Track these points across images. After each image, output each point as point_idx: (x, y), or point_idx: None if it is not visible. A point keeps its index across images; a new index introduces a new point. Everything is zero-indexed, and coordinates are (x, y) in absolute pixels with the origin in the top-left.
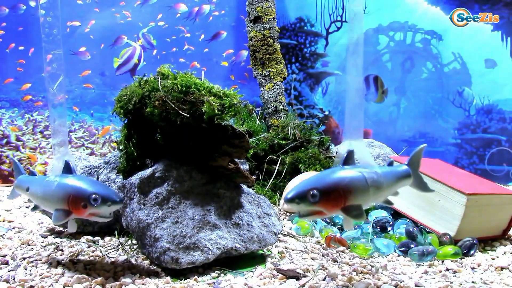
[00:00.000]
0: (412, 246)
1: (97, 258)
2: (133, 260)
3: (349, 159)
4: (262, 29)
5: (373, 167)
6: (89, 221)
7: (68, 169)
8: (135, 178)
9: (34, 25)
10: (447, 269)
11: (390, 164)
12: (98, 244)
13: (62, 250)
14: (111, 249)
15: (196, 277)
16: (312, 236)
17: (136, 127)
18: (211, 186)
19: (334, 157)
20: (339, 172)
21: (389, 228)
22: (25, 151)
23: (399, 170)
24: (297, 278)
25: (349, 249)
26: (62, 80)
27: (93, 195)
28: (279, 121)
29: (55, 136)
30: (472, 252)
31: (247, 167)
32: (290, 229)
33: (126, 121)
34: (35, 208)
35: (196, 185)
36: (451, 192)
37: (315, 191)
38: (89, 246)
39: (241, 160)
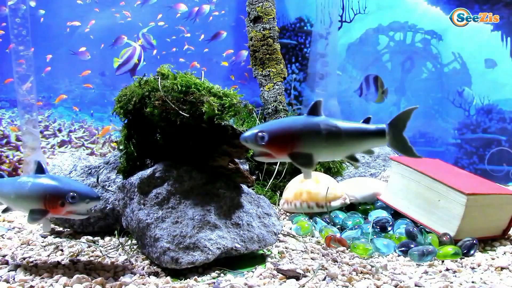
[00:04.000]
0: (412, 246)
1: (97, 258)
2: (133, 260)
3: (314, 109)
4: (262, 29)
5: (337, 120)
6: (89, 221)
7: (40, 169)
8: (135, 178)
9: (34, 25)
10: (447, 269)
11: (366, 120)
12: (98, 244)
13: (62, 250)
14: (111, 249)
15: (196, 277)
16: (312, 236)
17: (136, 127)
18: (211, 186)
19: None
20: (295, 119)
21: (389, 228)
22: (25, 151)
23: (370, 128)
24: (297, 278)
25: (349, 249)
26: (32, 80)
27: (71, 193)
28: None
29: (27, 137)
30: (472, 252)
31: (247, 167)
32: (290, 229)
33: (126, 121)
34: (6, 210)
35: (196, 185)
36: (451, 192)
37: (263, 134)
38: (89, 246)
39: (241, 160)
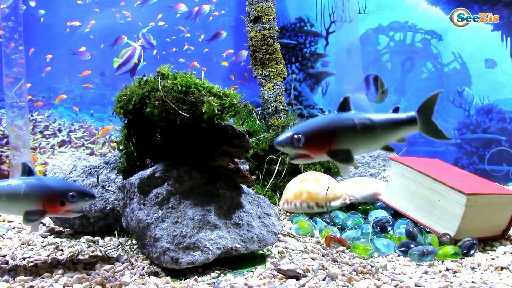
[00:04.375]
0: (412, 246)
1: (97, 258)
2: (133, 260)
3: (344, 105)
4: (262, 29)
5: (368, 113)
6: (89, 221)
7: (29, 171)
8: (135, 178)
9: (34, 25)
10: (447, 269)
11: (395, 110)
12: (98, 244)
13: (62, 250)
14: (111, 249)
15: (196, 277)
16: (312, 236)
17: (136, 127)
18: (211, 186)
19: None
20: (327, 117)
21: (389, 228)
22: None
23: (402, 117)
24: (297, 278)
25: (349, 249)
26: (23, 84)
27: (71, 192)
28: (279, 121)
29: (16, 139)
30: (472, 252)
31: (247, 167)
32: (290, 229)
33: (126, 121)
34: None
35: (196, 185)
36: (451, 192)
37: (299, 135)
38: (89, 246)
39: (241, 160)
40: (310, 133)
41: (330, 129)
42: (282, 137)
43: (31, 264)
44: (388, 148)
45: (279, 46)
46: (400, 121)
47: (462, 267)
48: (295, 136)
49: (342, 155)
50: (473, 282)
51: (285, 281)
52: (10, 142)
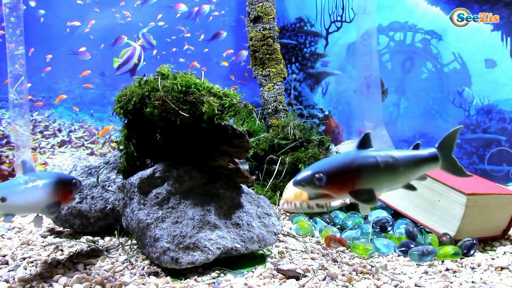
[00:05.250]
0: (412, 246)
1: (97, 258)
2: (133, 260)
3: (364, 142)
4: (262, 29)
5: (390, 150)
6: (89, 221)
7: (31, 168)
8: (135, 178)
9: (34, 25)
10: (447, 269)
11: (416, 147)
12: (98, 244)
13: (62, 250)
14: (111, 249)
15: (196, 277)
16: (312, 236)
17: (136, 127)
18: (211, 186)
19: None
20: (349, 155)
21: (389, 228)
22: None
23: (423, 154)
24: (297, 278)
25: (349, 249)
26: (24, 80)
27: (73, 180)
28: (279, 121)
29: (18, 137)
30: (472, 252)
31: (247, 167)
32: (290, 229)
33: (126, 121)
34: (8, 216)
35: (196, 185)
36: (451, 192)
37: (321, 175)
38: (89, 246)
39: (241, 160)
40: (332, 172)
41: (352, 168)
42: (301, 175)
43: (31, 264)
44: (410, 186)
45: (279, 46)
46: (422, 158)
47: (462, 267)
48: (316, 175)
49: (365, 195)
50: (473, 282)
51: (285, 281)
52: (15, 141)
